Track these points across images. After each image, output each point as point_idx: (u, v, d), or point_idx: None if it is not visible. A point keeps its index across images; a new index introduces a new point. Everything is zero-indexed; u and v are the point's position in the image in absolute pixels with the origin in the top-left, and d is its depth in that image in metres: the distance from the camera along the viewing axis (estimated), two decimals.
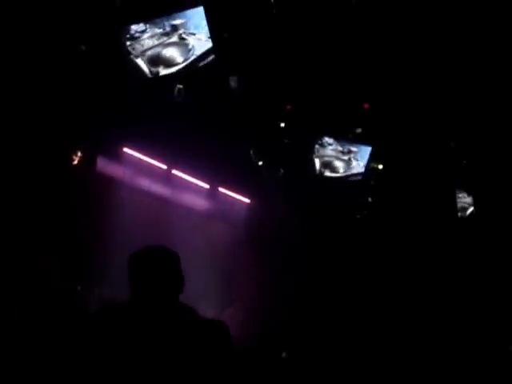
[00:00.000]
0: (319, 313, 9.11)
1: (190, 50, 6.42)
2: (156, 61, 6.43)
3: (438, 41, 6.62)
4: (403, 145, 8.70)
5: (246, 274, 9.15)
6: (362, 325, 8.77)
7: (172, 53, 6.44)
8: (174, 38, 6.39)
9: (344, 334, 8.45)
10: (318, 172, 8.62)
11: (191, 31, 6.36)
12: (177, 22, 6.36)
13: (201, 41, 6.39)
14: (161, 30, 6.35)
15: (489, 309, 8.61)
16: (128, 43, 6.34)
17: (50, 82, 6.72)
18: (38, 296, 5.90)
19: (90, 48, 6.64)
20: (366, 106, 8.09)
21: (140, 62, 6.41)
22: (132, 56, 6.37)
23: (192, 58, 6.43)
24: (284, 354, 5.45)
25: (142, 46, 6.36)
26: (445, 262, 9.27)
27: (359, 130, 8.46)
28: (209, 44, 6.37)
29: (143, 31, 6.34)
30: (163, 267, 2.80)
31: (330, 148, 8.56)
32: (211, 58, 6.44)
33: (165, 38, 6.38)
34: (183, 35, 6.37)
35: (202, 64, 6.44)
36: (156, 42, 6.38)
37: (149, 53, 6.40)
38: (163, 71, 6.48)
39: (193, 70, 6.50)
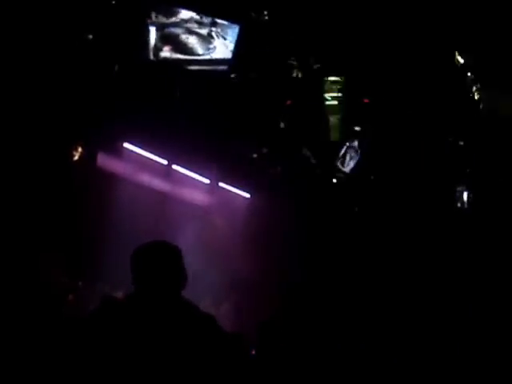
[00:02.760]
0: (319, 308, 9.13)
1: (210, 48, 6.23)
2: (168, 39, 6.18)
3: (438, 37, 6.61)
4: (400, 139, 8.68)
5: (245, 268, 9.16)
6: (361, 320, 8.79)
7: (191, 41, 6.21)
8: (203, 31, 6.15)
9: (343, 330, 8.47)
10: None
11: (224, 35, 6.16)
12: (219, 19, 6.15)
13: (226, 48, 6.22)
14: (197, 17, 6.09)
15: (489, 305, 8.60)
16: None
17: (50, 78, 6.71)
18: (39, 293, 5.91)
19: (90, 44, 6.58)
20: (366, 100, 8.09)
21: (152, 30, 6.07)
22: (149, 22, 6.01)
23: (206, 56, 6.25)
24: (282, 350, 5.45)
25: (167, 18, 6.06)
26: (442, 256, 9.27)
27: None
28: (229, 55, 6.22)
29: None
30: (166, 263, 2.80)
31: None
32: (221, 67, 6.32)
33: (194, 25, 6.12)
34: (213, 33, 6.16)
35: (210, 68, 6.30)
36: (183, 23, 6.10)
37: (168, 28, 6.12)
38: (166, 53, 6.23)
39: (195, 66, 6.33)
